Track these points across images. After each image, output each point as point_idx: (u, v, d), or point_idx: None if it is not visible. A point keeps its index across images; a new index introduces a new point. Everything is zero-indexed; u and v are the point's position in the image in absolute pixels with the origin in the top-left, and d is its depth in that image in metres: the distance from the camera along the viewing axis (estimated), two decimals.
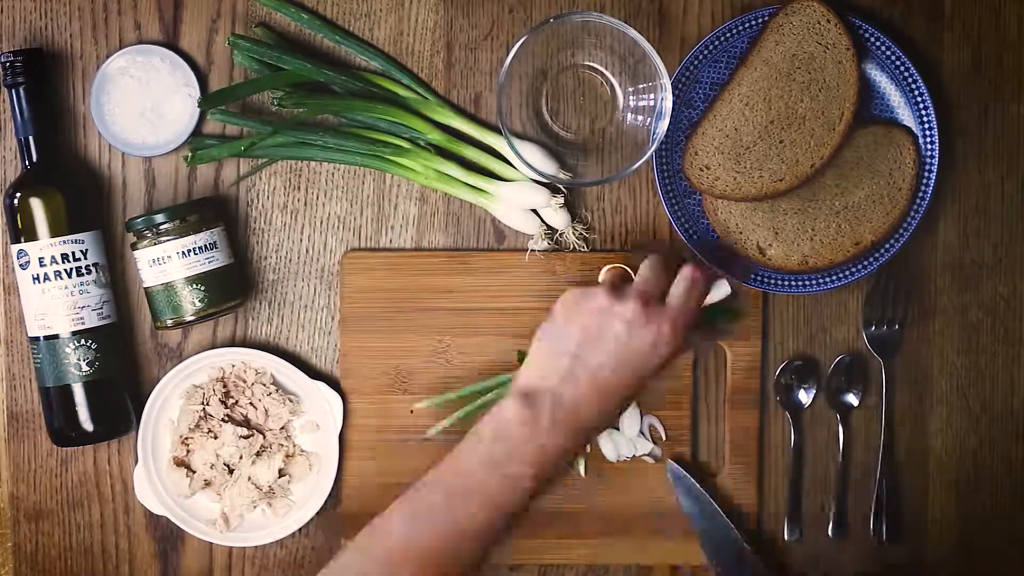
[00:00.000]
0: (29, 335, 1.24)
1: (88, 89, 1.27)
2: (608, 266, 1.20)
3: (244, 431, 1.26)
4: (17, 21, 1.28)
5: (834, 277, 1.26)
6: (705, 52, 1.25)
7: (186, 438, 1.27)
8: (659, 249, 1.18)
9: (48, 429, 1.25)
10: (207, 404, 1.26)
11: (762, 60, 1.23)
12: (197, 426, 1.26)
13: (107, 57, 1.26)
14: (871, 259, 1.25)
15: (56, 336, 1.22)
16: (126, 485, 1.29)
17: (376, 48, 1.28)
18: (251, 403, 1.27)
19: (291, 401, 1.27)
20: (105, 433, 1.25)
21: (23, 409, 1.29)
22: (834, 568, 1.30)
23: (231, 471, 1.26)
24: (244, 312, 1.29)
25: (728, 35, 1.25)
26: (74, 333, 1.22)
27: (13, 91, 1.22)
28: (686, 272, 1.08)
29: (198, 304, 1.22)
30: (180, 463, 1.27)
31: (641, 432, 1.27)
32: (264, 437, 1.27)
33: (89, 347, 1.22)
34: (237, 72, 1.28)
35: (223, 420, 1.26)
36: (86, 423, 1.23)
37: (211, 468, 1.26)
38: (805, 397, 1.29)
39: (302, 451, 1.28)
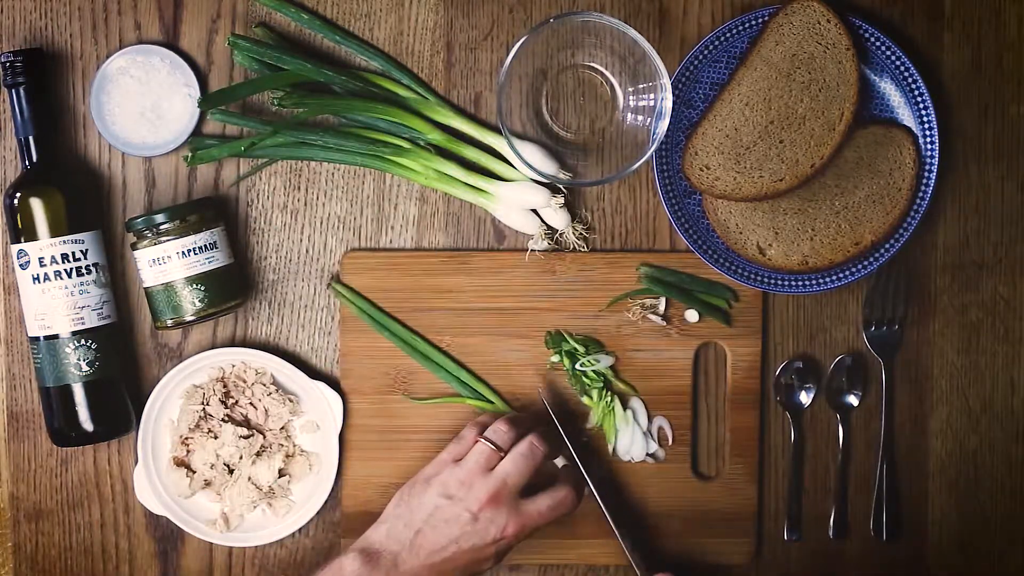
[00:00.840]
0: (29, 335, 1.24)
1: (88, 89, 1.27)
2: (483, 423, 1.21)
3: (244, 431, 1.26)
4: (17, 21, 1.28)
5: (834, 277, 1.26)
6: (705, 52, 1.25)
7: (186, 438, 1.27)
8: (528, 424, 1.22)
9: (48, 429, 1.25)
10: (207, 404, 1.26)
11: (762, 60, 1.23)
12: (197, 426, 1.26)
13: (107, 57, 1.26)
14: (871, 259, 1.25)
15: (56, 336, 1.22)
16: (126, 485, 1.29)
17: (376, 48, 1.28)
18: (251, 403, 1.27)
19: (291, 401, 1.27)
20: (105, 433, 1.25)
21: (23, 409, 1.29)
22: (834, 568, 1.30)
23: (231, 471, 1.26)
24: (244, 312, 1.29)
25: (728, 35, 1.25)
26: (74, 333, 1.22)
27: (13, 91, 1.22)
28: (562, 492, 1.18)
29: (198, 304, 1.22)
30: (180, 463, 1.27)
31: (649, 432, 1.27)
32: (264, 437, 1.27)
33: (89, 347, 1.22)
34: (237, 72, 1.28)
35: (223, 420, 1.26)
36: (86, 423, 1.23)
37: (211, 468, 1.26)
38: (805, 397, 1.29)
39: (302, 451, 1.28)
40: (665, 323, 1.27)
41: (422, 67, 1.28)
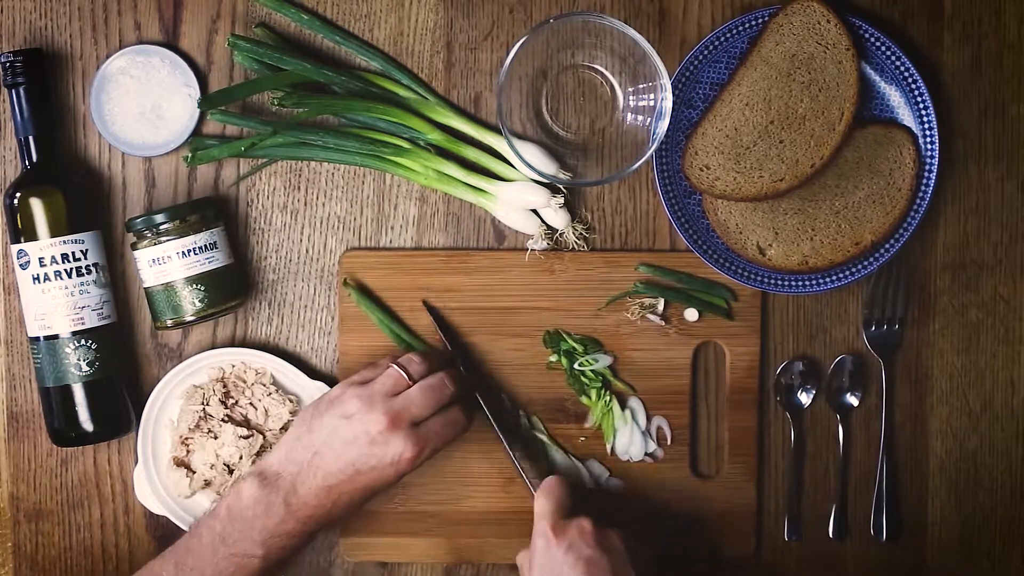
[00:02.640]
0: (29, 335, 1.24)
1: (88, 89, 1.27)
2: (396, 359, 1.20)
3: (244, 431, 1.26)
4: (17, 21, 1.28)
5: (834, 277, 1.26)
6: (705, 52, 1.25)
7: (186, 438, 1.26)
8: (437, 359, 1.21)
9: (48, 429, 1.25)
10: (207, 404, 1.26)
11: (762, 60, 1.23)
12: (197, 426, 1.26)
13: (107, 57, 1.26)
14: (871, 259, 1.25)
15: (56, 336, 1.22)
16: (126, 485, 1.29)
17: (376, 48, 1.28)
18: (251, 403, 1.27)
19: (291, 401, 1.27)
20: (105, 433, 1.25)
21: (23, 409, 1.29)
22: (834, 568, 1.30)
23: (231, 471, 1.26)
24: (244, 312, 1.29)
25: (728, 35, 1.25)
26: (74, 333, 1.22)
27: (13, 91, 1.22)
28: (454, 413, 1.17)
29: (198, 304, 1.22)
30: (180, 463, 1.27)
31: (647, 432, 1.27)
32: (264, 437, 1.27)
33: (89, 347, 1.22)
34: (237, 72, 1.28)
35: (223, 420, 1.26)
36: (86, 423, 1.23)
37: (211, 468, 1.26)
38: (805, 397, 1.29)
39: None
40: (664, 323, 1.27)
41: (422, 67, 1.28)
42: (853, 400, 1.29)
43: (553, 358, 1.27)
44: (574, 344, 1.26)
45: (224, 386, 1.27)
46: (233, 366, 1.27)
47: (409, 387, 1.16)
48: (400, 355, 1.20)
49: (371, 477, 1.14)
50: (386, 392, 1.15)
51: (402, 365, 1.17)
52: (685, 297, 1.26)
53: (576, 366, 1.26)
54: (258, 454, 1.26)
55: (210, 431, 1.26)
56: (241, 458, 1.26)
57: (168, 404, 1.27)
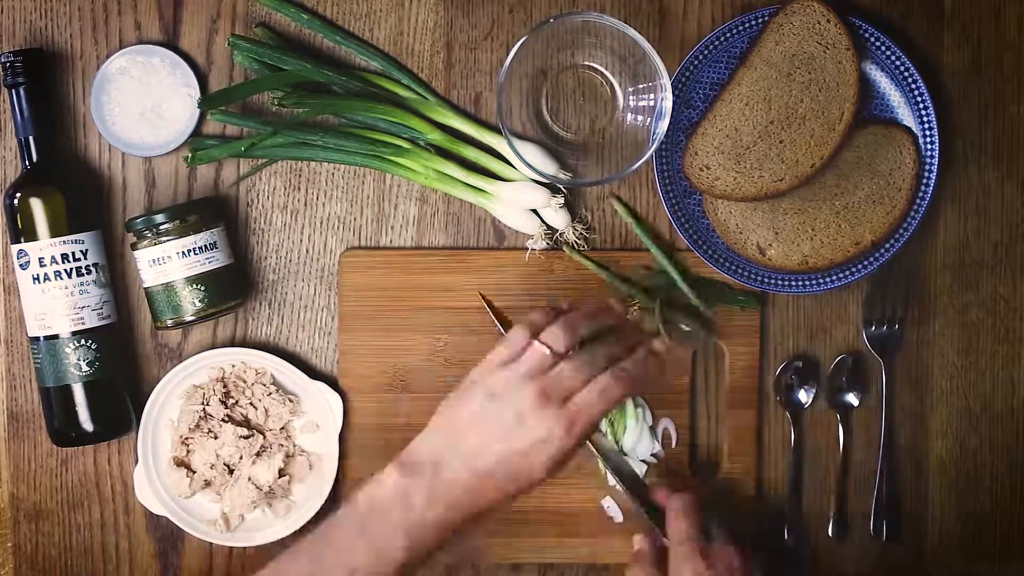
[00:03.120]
0: (29, 335, 1.24)
1: (88, 89, 1.27)
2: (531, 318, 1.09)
3: (244, 431, 1.26)
4: (17, 21, 1.28)
5: (834, 277, 1.26)
6: (705, 52, 1.25)
7: (186, 438, 1.26)
8: (584, 317, 1.08)
9: (48, 429, 1.25)
10: (207, 404, 1.26)
11: (762, 60, 1.23)
12: (197, 426, 1.26)
13: (107, 57, 1.26)
14: (871, 259, 1.25)
15: (56, 336, 1.22)
16: (126, 485, 1.29)
17: (376, 48, 1.28)
18: (251, 403, 1.27)
19: (291, 401, 1.27)
20: (105, 433, 1.25)
21: (23, 409, 1.29)
22: (834, 568, 1.30)
23: (231, 471, 1.26)
24: (244, 312, 1.29)
25: (728, 35, 1.25)
26: (74, 333, 1.22)
27: (13, 91, 1.22)
28: (603, 381, 1.04)
29: (198, 304, 1.22)
30: (180, 463, 1.27)
31: (654, 432, 1.27)
32: (264, 437, 1.27)
33: (89, 347, 1.22)
34: (237, 72, 1.28)
35: (223, 420, 1.26)
36: (86, 423, 1.23)
37: (211, 468, 1.26)
38: (805, 397, 1.29)
39: (302, 451, 1.28)
40: (664, 323, 1.27)
41: (422, 67, 1.28)
42: (853, 400, 1.29)
43: None
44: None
45: (224, 386, 1.27)
46: (233, 366, 1.27)
47: (555, 364, 1.04)
48: (537, 321, 1.07)
49: (519, 463, 1.03)
50: (533, 374, 1.04)
51: (544, 341, 1.05)
52: (683, 310, 1.26)
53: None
54: (258, 454, 1.26)
55: (210, 431, 1.26)
56: (241, 458, 1.26)
57: (168, 404, 1.27)
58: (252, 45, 1.24)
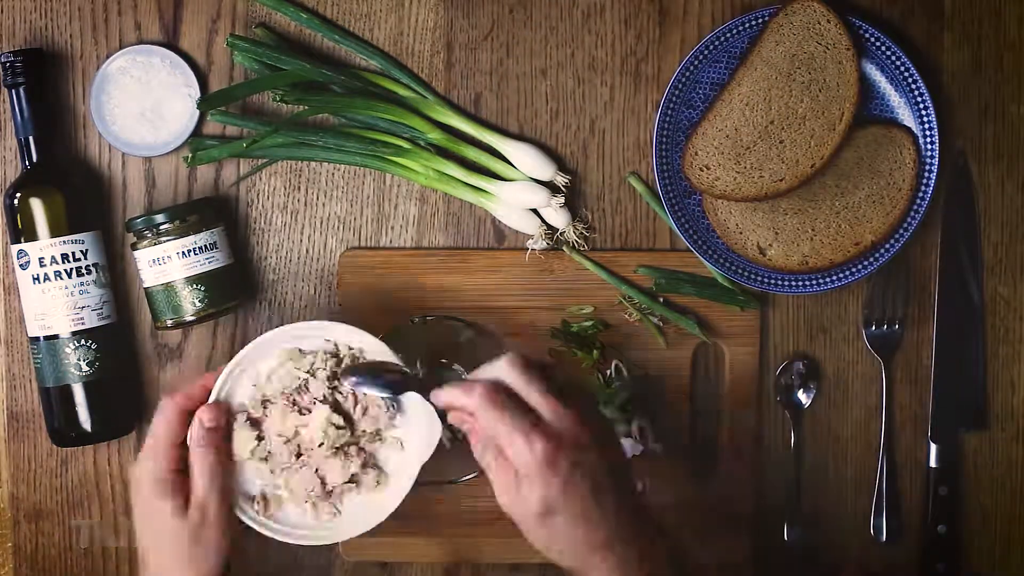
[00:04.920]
0: (29, 335, 1.24)
1: (88, 89, 1.27)
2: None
3: (339, 420, 1.14)
4: (17, 21, 1.28)
5: (834, 277, 1.26)
6: (705, 52, 1.25)
7: (268, 400, 1.15)
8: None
9: (48, 429, 1.25)
10: (313, 375, 1.15)
11: (762, 60, 1.23)
12: (289, 393, 1.15)
13: (107, 57, 1.26)
14: (871, 259, 1.25)
15: (56, 336, 1.22)
16: (126, 485, 1.29)
17: (376, 48, 1.28)
18: (353, 393, 1.16)
19: (393, 408, 1.16)
20: (105, 433, 1.25)
21: (23, 409, 1.29)
22: (834, 568, 1.30)
23: (299, 455, 1.15)
24: (244, 312, 1.29)
25: (728, 35, 1.24)
26: (74, 333, 1.22)
27: (13, 91, 1.22)
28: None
29: (198, 304, 1.22)
30: (254, 422, 1.15)
31: (631, 433, 1.26)
32: (351, 434, 1.16)
33: (89, 347, 1.22)
34: (237, 72, 1.28)
35: (320, 400, 1.15)
36: (86, 423, 1.23)
37: (284, 443, 1.15)
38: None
39: (376, 465, 1.17)
40: (662, 323, 1.27)
41: (422, 67, 1.28)
42: (804, 399, 1.29)
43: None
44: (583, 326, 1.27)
45: (338, 363, 1.16)
46: (351, 348, 1.16)
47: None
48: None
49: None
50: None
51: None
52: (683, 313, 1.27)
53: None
54: (339, 450, 1.15)
55: (296, 404, 1.15)
56: (321, 445, 1.14)
57: (265, 358, 1.15)
58: (252, 45, 1.24)
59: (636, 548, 1.02)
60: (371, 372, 1.14)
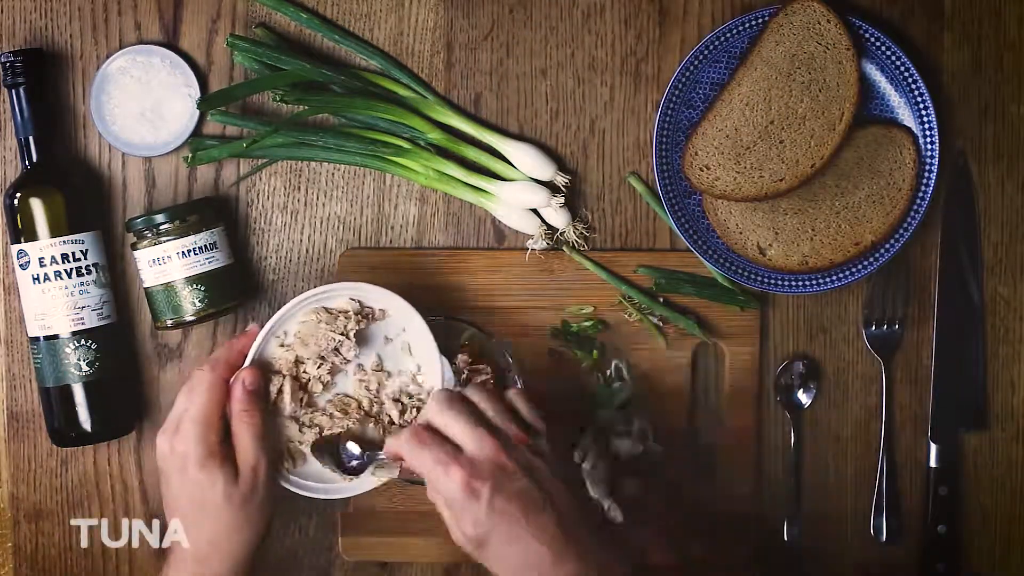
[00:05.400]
0: (29, 335, 1.24)
1: (88, 89, 1.27)
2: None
3: (368, 377, 1.19)
4: (17, 21, 1.28)
5: (834, 277, 1.26)
6: (705, 52, 1.25)
7: (302, 360, 1.17)
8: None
9: (48, 429, 1.25)
10: (347, 336, 1.17)
11: (762, 60, 1.23)
12: (326, 355, 1.17)
13: (107, 57, 1.26)
14: (871, 259, 1.25)
15: (56, 336, 1.22)
16: (126, 485, 1.29)
17: (376, 48, 1.28)
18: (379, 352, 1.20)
19: (419, 367, 1.19)
20: (105, 433, 1.25)
21: (23, 409, 1.29)
22: (834, 568, 1.30)
23: (342, 411, 1.19)
24: (244, 312, 1.29)
25: (728, 35, 1.24)
26: (74, 333, 1.22)
27: (13, 91, 1.22)
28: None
29: (198, 304, 1.22)
30: (295, 381, 1.18)
31: (630, 435, 1.27)
32: (376, 397, 1.19)
33: (89, 347, 1.22)
34: (237, 72, 1.28)
35: (354, 359, 1.19)
36: (86, 423, 1.23)
37: (324, 400, 1.18)
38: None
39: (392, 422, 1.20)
40: (662, 323, 1.27)
41: (422, 67, 1.28)
42: (804, 399, 1.29)
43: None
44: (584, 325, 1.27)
45: (363, 320, 1.18)
46: (383, 310, 1.19)
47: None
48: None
49: None
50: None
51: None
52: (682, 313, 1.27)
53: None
54: (371, 407, 1.19)
55: (331, 363, 1.18)
56: (358, 405, 1.19)
57: (294, 320, 1.17)
58: (252, 45, 1.24)
59: (588, 567, 1.04)
60: (331, 452, 1.18)
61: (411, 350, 1.20)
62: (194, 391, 1.14)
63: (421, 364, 1.20)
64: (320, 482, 1.19)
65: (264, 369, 1.17)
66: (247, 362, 1.16)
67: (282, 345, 1.18)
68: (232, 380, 1.15)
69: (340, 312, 1.18)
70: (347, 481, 1.18)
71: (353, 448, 1.18)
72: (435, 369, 1.19)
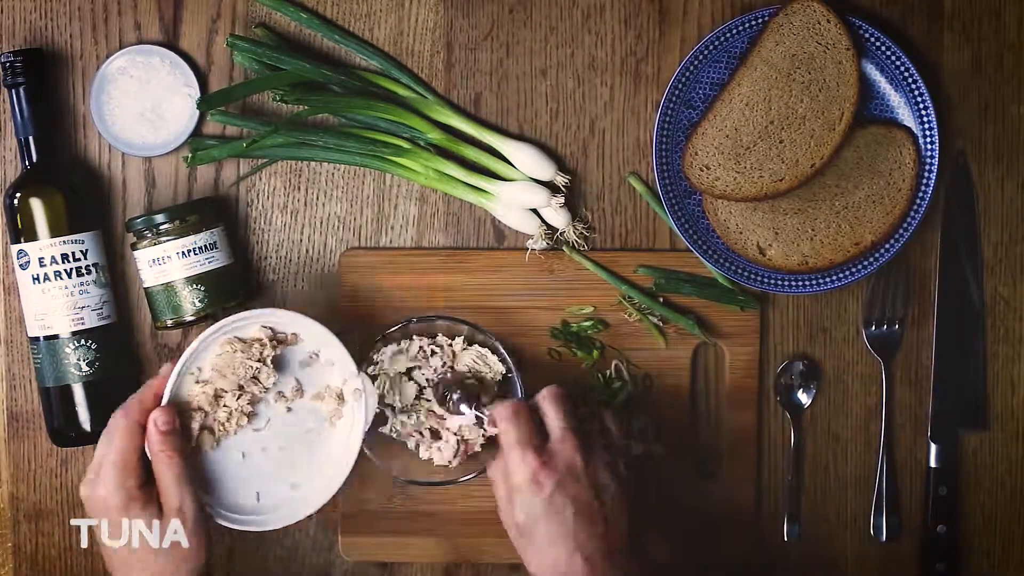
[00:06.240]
0: (29, 335, 1.24)
1: (88, 89, 1.27)
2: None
3: (302, 404, 1.20)
4: (17, 21, 1.28)
5: (834, 277, 1.26)
6: (705, 52, 1.25)
7: (220, 393, 1.18)
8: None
9: (48, 429, 1.25)
10: (264, 363, 1.18)
11: (762, 60, 1.23)
12: (243, 384, 1.18)
13: (107, 57, 1.27)
14: (871, 259, 1.25)
15: (56, 336, 1.22)
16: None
17: (376, 48, 1.28)
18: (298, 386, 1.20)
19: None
20: None
21: (23, 409, 1.29)
22: (834, 568, 1.30)
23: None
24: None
25: (728, 35, 1.24)
26: (74, 333, 1.22)
27: (13, 91, 1.22)
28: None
29: (198, 304, 1.22)
30: (205, 415, 1.18)
31: (634, 433, 1.27)
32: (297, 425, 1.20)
33: (89, 347, 1.22)
34: (237, 72, 1.28)
35: (272, 388, 1.19)
36: (86, 423, 1.23)
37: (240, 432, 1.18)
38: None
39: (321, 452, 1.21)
40: (662, 323, 1.27)
41: (422, 67, 1.28)
42: (804, 399, 1.29)
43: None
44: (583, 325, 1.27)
45: (276, 345, 1.19)
46: (295, 334, 1.20)
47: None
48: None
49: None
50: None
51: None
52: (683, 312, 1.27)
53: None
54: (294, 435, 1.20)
55: (250, 392, 1.18)
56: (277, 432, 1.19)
57: (208, 353, 1.18)
58: (252, 45, 1.24)
59: None
60: (465, 388, 1.21)
61: (331, 367, 1.20)
62: (111, 437, 1.13)
63: (346, 380, 1.20)
64: (247, 515, 1.18)
65: (182, 407, 1.16)
66: (163, 402, 1.15)
67: (198, 381, 1.17)
68: (150, 419, 1.13)
69: (254, 340, 1.18)
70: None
71: (461, 394, 1.20)
72: (357, 383, 1.19)
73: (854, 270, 1.26)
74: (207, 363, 1.18)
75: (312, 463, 1.21)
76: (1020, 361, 1.30)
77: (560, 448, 1.10)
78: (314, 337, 1.20)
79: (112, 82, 1.26)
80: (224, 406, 1.18)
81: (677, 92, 1.24)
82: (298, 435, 1.21)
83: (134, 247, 1.23)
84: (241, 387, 1.18)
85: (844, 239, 1.24)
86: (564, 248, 1.27)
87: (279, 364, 1.20)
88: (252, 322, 1.18)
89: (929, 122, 1.24)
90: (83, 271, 1.22)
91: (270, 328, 1.19)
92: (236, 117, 1.26)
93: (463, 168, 1.26)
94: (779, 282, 1.26)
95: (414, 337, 1.24)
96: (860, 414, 1.30)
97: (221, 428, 1.18)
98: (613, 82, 1.28)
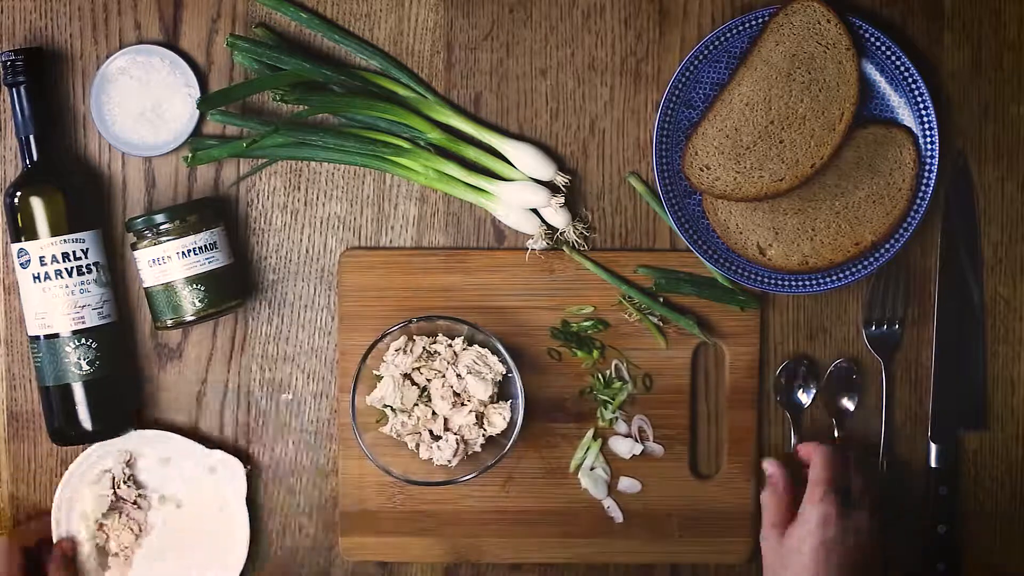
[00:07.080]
0: (29, 334, 1.24)
1: (88, 89, 1.27)
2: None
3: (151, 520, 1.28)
4: (17, 21, 1.28)
5: (834, 277, 1.26)
6: (705, 52, 1.25)
7: (102, 521, 1.27)
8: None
9: (48, 429, 1.25)
10: (118, 487, 1.27)
11: (762, 60, 1.23)
12: (114, 511, 1.27)
13: (107, 57, 1.27)
14: (871, 259, 1.25)
15: (56, 335, 1.22)
16: None
17: (376, 48, 1.28)
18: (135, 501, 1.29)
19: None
20: (105, 432, 1.25)
21: (23, 409, 1.29)
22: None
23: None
24: (244, 312, 1.29)
25: (728, 35, 1.25)
26: (74, 332, 1.22)
27: (13, 90, 1.23)
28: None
29: (198, 304, 1.22)
30: (101, 550, 1.28)
31: (631, 433, 1.27)
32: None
33: (89, 346, 1.22)
34: (237, 72, 1.28)
35: (134, 502, 1.27)
36: (86, 422, 1.23)
37: (127, 546, 1.28)
38: (804, 397, 1.29)
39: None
40: (662, 323, 1.27)
41: (422, 67, 1.28)
42: (849, 404, 1.28)
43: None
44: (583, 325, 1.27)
45: (129, 468, 1.28)
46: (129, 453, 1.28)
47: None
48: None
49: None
50: None
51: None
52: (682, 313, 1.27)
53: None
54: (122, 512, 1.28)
55: (120, 513, 1.27)
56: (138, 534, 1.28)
57: (80, 489, 1.27)
58: (252, 45, 1.24)
59: None
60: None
61: (190, 459, 1.28)
62: None
63: (203, 462, 1.28)
64: None
65: (71, 541, 1.27)
66: (54, 537, 1.26)
67: (80, 514, 1.27)
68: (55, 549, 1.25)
69: (103, 472, 1.27)
70: None
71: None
72: (211, 463, 1.27)
73: (854, 270, 1.26)
74: (76, 508, 1.27)
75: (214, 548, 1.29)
76: (1020, 361, 1.30)
77: (859, 506, 1.18)
78: (160, 443, 1.27)
79: (112, 82, 1.26)
80: (112, 530, 1.27)
81: (677, 92, 1.24)
82: (195, 527, 1.28)
83: (134, 247, 1.23)
84: (113, 511, 1.27)
85: (844, 239, 1.24)
86: (564, 248, 1.27)
87: (138, 480, 1.28)
88: (109, 449, 1.26)
89: (929, 122, 1.24)
90: (84, 270, 1.22)
91: (127, 451, 1.27)
92: (236, 117, 1.26)
93: (463, 168, 1.26)
94: (779, 282, 1.26)
95: (415, 338, 1.24)
96: (860, 415, 1.29)
97: (120, 548, 1.28)
98: (613, 82, 1.28)
